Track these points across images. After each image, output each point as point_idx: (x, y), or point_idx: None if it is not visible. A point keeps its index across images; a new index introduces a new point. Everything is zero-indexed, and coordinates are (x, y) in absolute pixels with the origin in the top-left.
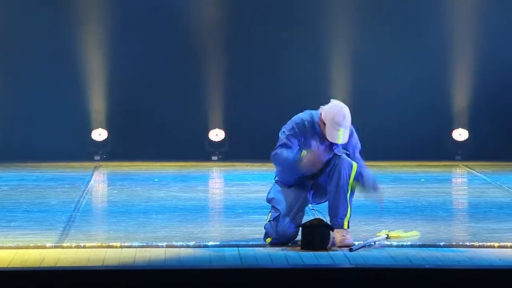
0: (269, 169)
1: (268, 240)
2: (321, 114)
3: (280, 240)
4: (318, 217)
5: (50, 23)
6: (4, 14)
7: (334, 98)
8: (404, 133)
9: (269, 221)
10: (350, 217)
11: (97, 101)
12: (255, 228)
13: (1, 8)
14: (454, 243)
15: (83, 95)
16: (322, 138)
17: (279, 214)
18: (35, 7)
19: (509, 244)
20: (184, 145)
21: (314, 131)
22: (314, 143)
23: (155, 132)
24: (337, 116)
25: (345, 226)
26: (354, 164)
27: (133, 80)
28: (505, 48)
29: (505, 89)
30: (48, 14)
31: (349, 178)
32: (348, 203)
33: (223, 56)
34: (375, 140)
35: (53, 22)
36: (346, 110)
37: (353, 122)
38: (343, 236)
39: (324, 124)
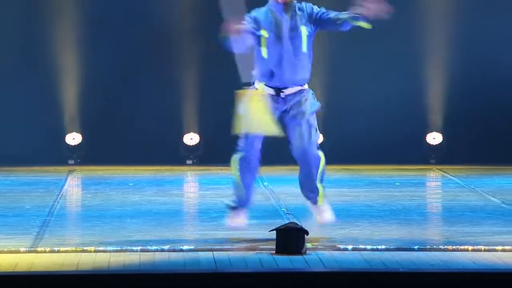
0: None
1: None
2: None
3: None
4: (292, 221)
5: (22, 22)
6: None
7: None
8: (379, 137)
9: None
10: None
11: (71, 104)
12: (229, 232)
13: None
14: (429, 246)
15: (57, 98)
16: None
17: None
18: (5, 6)
19: (482, 247)
20: (158, 149)
21: (270, 7)
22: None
23: (129, 136)
24: None
25: (320, 202)
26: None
27: (107, 83)
28: (477, 52)
29: (478, 93)
30: (19, 13)
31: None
32: (319, 182)
33: (197, 59)
34: (350, 144)
35: (25, 21)
36: None
37: (330, 127)
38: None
39: None
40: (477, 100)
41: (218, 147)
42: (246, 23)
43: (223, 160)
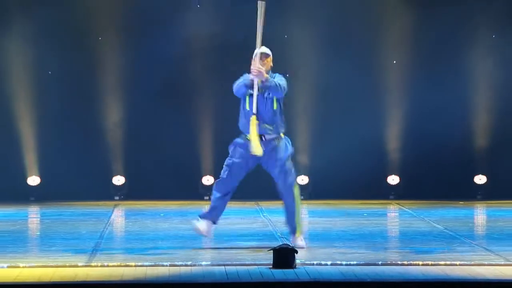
0: (249, 206)
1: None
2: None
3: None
4: (285, 243)
5: (69, 71)
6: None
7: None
8: (350, 178)
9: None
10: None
11: (116, 149)
12: (238, 251)
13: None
14: (389, 262)
15: (104, 145)
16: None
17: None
18: (57, 57)
19: (430, 262)
20: (183, 187)
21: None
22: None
23: (160, 177)
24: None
25: (297, 234)
26: (296, 188)
27: (143, 132)
28: (433, 99)
29: (428, 140)
30: (68, 64)
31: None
32: (297, 217)
33: (214, 105)
34: (329, 183)
35: (72, 70)
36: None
37: (313, 171)
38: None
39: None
40: (427, 146)
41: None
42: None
43: (233, 197)
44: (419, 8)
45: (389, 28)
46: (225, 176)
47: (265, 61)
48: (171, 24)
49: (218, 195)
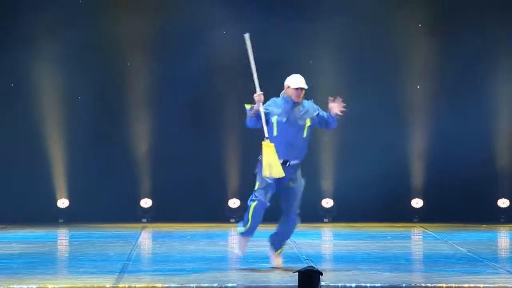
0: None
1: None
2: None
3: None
4: (310, 265)
5: (98, 100)
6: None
7: None
8: (374, 201)
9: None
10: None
11: (144, 174)
12: (264, 273)
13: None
14: (413, 284)
15: (134, 169)
16: (292, 102)
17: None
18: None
19: (454, 285)
20: (209, 210)
21: (285, 100)
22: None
23: (186, 201)
24: (291, 78)
25: (278, 252)
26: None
27: (170, 157)
28: (456, 125)
29: (452, 161)
30: (96, 92)
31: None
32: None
33: (238, 116)
34: (353, 206)
35: (101, 99)
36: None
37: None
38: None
39: (288, 87)
40: (450, 169)
41: None
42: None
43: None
44: (443, 37)
45: (412, 56)
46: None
47: (302, 93)
48: (196, 44)
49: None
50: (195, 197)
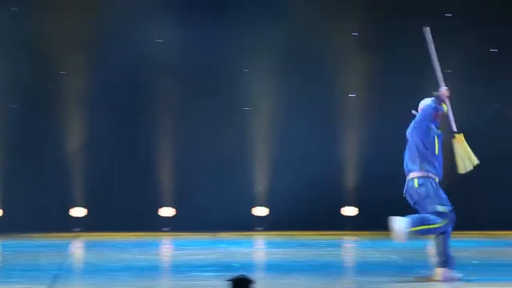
0: (207, 238)
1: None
2: None
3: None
4: (242, 273)
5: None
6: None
7: None
8: (307, 209)
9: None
10: None
11: (77, 182)
12: (195, 282)
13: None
14: None
15: (65, 176)
16: None
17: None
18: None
19: None
20: (140, 219)
21: None
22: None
23: (117, 210)
24: None
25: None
26: None
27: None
28: (387, 133)
29: (384, 170)
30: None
31: None
32: None
33: (176, 137)
34: (285, 213)
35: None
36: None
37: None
38: None
39: None
40: (383, 178)
41: (192, 218)
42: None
43: (193, 228)
44: (378, 48)
45: (346, 65)
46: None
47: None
48: (127, 47)
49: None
50: (126, 206)
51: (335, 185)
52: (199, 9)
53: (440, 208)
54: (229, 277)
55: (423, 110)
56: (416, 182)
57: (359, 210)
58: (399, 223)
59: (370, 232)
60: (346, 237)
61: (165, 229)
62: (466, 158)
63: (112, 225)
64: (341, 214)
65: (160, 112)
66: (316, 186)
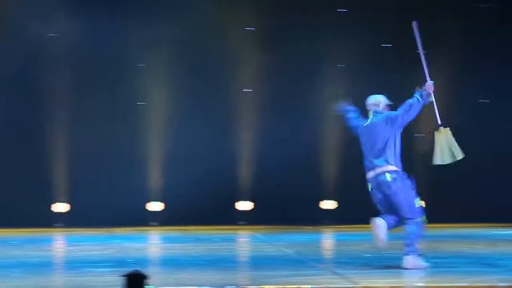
0: (102, 233)
1: None
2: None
3: None
4: (137, 269)
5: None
6: None
7: None
8: (201, 203)
9: None
10: None
11: None
12: (89, 277)
13: None
14: (240, 286)
15: None
16: None
17: None
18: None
19: (280, 286)
20: (30, 214)
21: None
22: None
23: (8, 205)
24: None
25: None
26: None
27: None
28: (282, 128)
29: (278, 164)
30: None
31: None
32: None
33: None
34: (180, 208)
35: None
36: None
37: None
38: None
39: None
40: (278, 172)
41: (86, 212)
42: None
43: (88, 223)
44: (272, 43)
45: (241, 60)
46: None
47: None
48: (20, 37)
49: None
50: (18, 201)
51: (229, 180)
52: (94, 2)
53: (417, 202)
54: (123, 273)
55: (403, 105)
56: (388, 176)
57: (254, 204)
58: (380, 229)
59: (264, 226)
60: (240, 232)
61: (58, 225)
62: (446, 151)
63: (2, 221)
64: (236, 209)
65: (54, 107)
66: (210, 181)
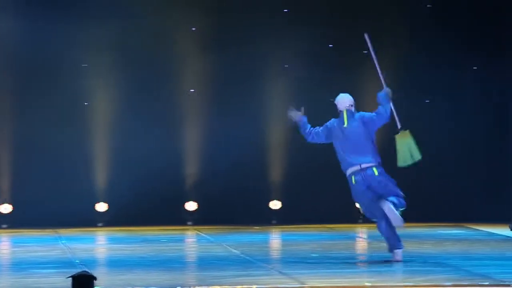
0: (48, 234)
1: None
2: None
3: None
4: (84, 270)
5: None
6: None
7: None
8: (148, 204)
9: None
10: None
11: None
12: (36, 279)
13: None
14: (187, 287)
15: None
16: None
17: None
18: None
19: (227, 286)
20: None
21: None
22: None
23: None
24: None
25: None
26: None
27: None
28: (227, 127)
29: (225, 163)
30: None
31: None
32: None
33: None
34: (126, 208)
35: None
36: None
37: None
38: None
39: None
40: (224, 173)
41: (31, 214)
42: None
43: (34, 224)
44: (217, 44)
45: (186, 61)
46: None
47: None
48: None
49: None
50: None
51: (176, 181)
52: (36, 2)
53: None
54: (70, 274)
55: (383, 105)
56: (375, 170)
57: (201, 205)
58: (393, 211)
59: (212, 227)
60: (188, 232)
61: (3, 226)
62: (407, 154)
63: None
64: (184, 209)
65: None
66: (157, 182)
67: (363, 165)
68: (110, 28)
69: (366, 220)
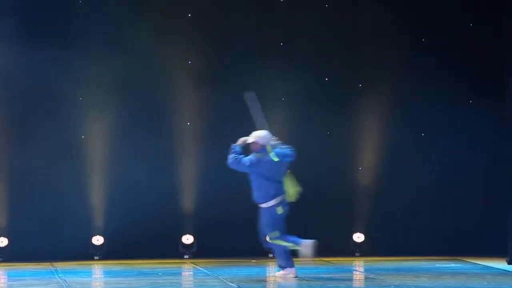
0: (44, 268)
1: None
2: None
3: None
4: None
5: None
6: None
7: None
8: (145, 237)
9: None
10: None
11: None
12: None
13: None
14: None
15: None
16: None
17: None
18: None
19: None
20: None
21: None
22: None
23: None
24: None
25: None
26: None
27: None
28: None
29: (218, 197)
30: None
31: None
32: None
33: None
34: (121, 241)
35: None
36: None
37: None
38: None
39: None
40: (223, 206)
41: (26, 247)
42: None
43: (28, 258)
44: (212, 75)
45: (182, 93)
46: None
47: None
48: None
49: None
50: None
51: (173, 214)
52: (34, 34)
53: None
54: None
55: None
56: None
57: (196, 237)
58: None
59: (208, 260)
60: (184, 265)
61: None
62: (293, 190)
63: None
64: (180, 242)
65: None
66: (153, 215)
67: (284, 196)
68: (108, 62)
69: (366, 253)
